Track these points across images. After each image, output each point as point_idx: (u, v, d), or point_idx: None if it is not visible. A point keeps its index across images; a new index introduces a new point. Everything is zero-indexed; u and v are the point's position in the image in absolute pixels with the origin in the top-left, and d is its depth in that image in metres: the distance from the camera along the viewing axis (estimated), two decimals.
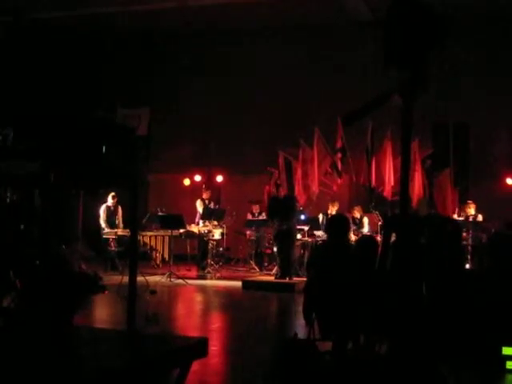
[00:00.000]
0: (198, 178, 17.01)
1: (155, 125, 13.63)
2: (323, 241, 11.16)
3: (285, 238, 11.76)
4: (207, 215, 13.50)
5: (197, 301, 10.85)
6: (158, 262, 13.42)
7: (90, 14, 15.45)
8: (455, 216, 12.58)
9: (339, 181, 12.63)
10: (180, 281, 11.91)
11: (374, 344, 5.32)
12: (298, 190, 12.66)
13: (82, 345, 4.01)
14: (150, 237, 13.13)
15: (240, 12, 15.25)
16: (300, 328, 6.77)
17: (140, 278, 8.61)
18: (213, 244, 13.51)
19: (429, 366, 4.46)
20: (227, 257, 15.29)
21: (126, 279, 6.33)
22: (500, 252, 5.14)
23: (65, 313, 4.57)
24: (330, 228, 6.14)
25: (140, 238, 12.44)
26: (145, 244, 13.05)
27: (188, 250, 14.30)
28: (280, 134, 14.65)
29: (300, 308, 6.08)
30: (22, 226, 4.98)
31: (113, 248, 13.19)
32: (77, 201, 9.18)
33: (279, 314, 10.01)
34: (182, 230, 13.05)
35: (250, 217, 14.47)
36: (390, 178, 12.21)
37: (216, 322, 8.65)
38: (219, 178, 17.01)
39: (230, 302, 10.43)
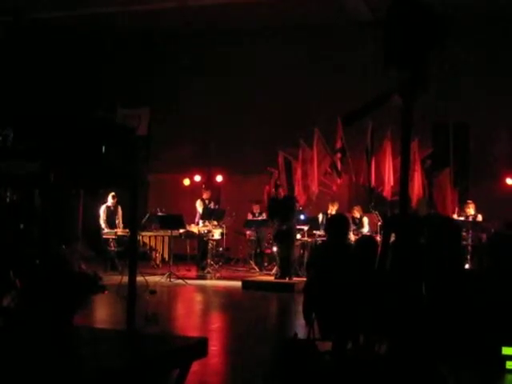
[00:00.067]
0: (197, 178, 17.02)
1: (155, 125, 13.63)
2: (323, 241, 11.16)
3: (284, 238, 11.76)
4: (207, 215, 13.50)
5: (196, 301, 10.85)
6: (157, 262, 13.42)
7: (90, 14, 15.46)
8: (455, 216, 12.58)
9: (339, 181, 12.63)
10: (180, 281, 11.91)
11: (374, 344, 5.32)
12: (298, 190, 12.67)
13: (81, 345, 4.01)
14: (150, 237, 13.14)
15: (240, 12, 15.26)
16: (300, 328, 6.77)
17: (140, 278, 8.61)
18: (212, 244, 13.51)
19: (429, 365, 4.46)
20: (227, 257, 15.29)
21: (125, 279, 6.33)
22: (500, 252, 5.14)
23: (65, 313, 4.57)
24: (329, 228, 6.14)
25: (140, 238, 12.45)
26: (144, 244, 13.06)
27: (188, 250, 14.31)
28: (280, 133, 14.66)
29: (300, 308, 6.09)
30: (21, 226, 4.98)
31: (112, 248, 13.19)
32: (77, 201, 9.17)
33: (279, 313, 10.01)
34: (181, 230, 13.05)
35: (250, 217, 14.46)
36: (389, 178, 12.21)
37: (216, 322, 8.65)
38: (219, 178, 17.01)
39: (229, 302, 10.43)
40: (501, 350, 4.83)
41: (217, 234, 13.57)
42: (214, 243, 13.65)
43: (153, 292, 10.12)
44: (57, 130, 4.82)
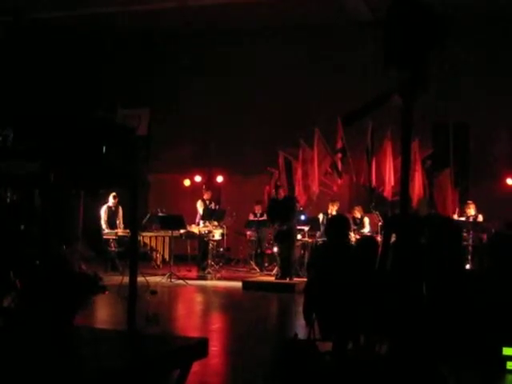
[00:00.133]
0: (198, 178, 17.00)
1: (155, 125, 13.57)
2: (323, 241, 11.16)
3: (285, 238, 11.76)
4: (207, 216, 13.50)
5: (197, 301, 10.84)
6: (158, 263, 13.42)
7: (90, 14, 15.45)
8: (455, 216, 12.57)
9: (339, 181, 12.62)
10: (180, 281, 11.90)
11: (375, 344, 5.32)
12: (298, 190, 12.66)
13: (82, 345, 4.01)
14: (151, 237, 13.13)
15: (240, 12, 15.25)
16: (300, 328, 6.77)
17: (140, 279, 8.61)
18: (213, 244, 13.50)
19: (429, 366, 4.46)
20: (227, 257, 15.28)
21: (126, 280, 6.34)
22: (500, 252, 5.14)
23: (65, 313, 4.57)
24: (330, 228, 6.13)
25: (140, 238, 12.45)
26: (145, 244, 13.06)
27: (188, 251, 14.29)
28: (280, 134, 14.65)
29: (300, 308, 6.08)
30: (22, 227, 4.97)
31: (113, 248, 13.18)
32: (77, 201, 9.17)
33: (279, 314, 10.01)
34: (182, 231, 13.05)
35: (252, 217, 14.45)
36: (390, 178, 12.21)
37: (216, 323, 8.65)
38: (219, 179, 17.00)
39: (230, 302, 10.42)
40: (501, 351, 4.83)
41: (217, 234, 13.56)
42: (215, 244, 13.64)
43: (153, 292, 10.11)
44: (57, 130, 4.82)
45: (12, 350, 3.63)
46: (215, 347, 6.51)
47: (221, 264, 13.93)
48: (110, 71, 16.97)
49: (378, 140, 12.47)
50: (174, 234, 12.85)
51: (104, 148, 4.79)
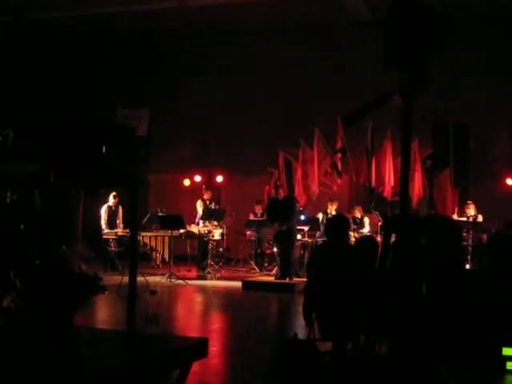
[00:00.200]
0: (198, 178, 17.00)
1: (155, 125, 13.63)
2: (323, 241, 11.16)
3: (285, 238, 11.76)
4: (207, 215, 13.50)
5: (197, 301, 10.85)
6: (158, 263, 13.42)
7: (90, 14, 15.44)
8: (455, 216, 12.58)
9: (339, 181, 12.63)
10: (180, 281, 11.91)
11: (374, 344, 5.32)
12: (298, 190, 12.67)
13: (82, 345, 4.01)
14: (150, 237, 13.14)
15: (240, 12, 15.25)
16: (300, 328, 6.77)
17: (140, 279, 8.62)
18: (213, 244, 13.50)
19: (429, 366, 4.46)
20: (227, 257, 15.28)
21: (125, 279, 6.33)
22: (500, 252, 5.14)
23: (65, 313, 4.57)
24: (329, 228, 6.13)
25: (140, 238, 12.44)
26: (145, 244, 13.06)
27: (188, 251, 14.29)
28: (280, 134, 14.65)
29: (300, 308, 6.08)
30: (22, 227, 4.97)
31: (113, 248, 13.18)
32: (77, 201, 9.17)
33: (279, 314, 10.01)
34: (182, 231, 13.05)
35: (252, 217, 14.45)
36: (389, 178, 12.21)
37: (216, 323, 8.65)
38: (219, 179, 17.00)
39: (230, 302, 10.42)
40: (501, 351, 4.83)
41: (217, 234, 13.56)
42: (215, 243, 13.64)
43: (153, 292, 10.12)
44: (57, 130, 4.82)
45: (12, 350, 3.63)
46: (215, 347, 6.51)
47: (220, 264, 13.93)
48: (110, 71, 16.97)
49: (378, 140, 12.47)
50: (174, 234, 12.85)
51: (104, 148, 4.79)
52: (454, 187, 13.39)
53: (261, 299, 10.62)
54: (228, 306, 10.08)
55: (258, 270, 13.94)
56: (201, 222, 13.56)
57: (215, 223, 13.49)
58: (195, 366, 4.11)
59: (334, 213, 12.94)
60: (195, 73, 16.69)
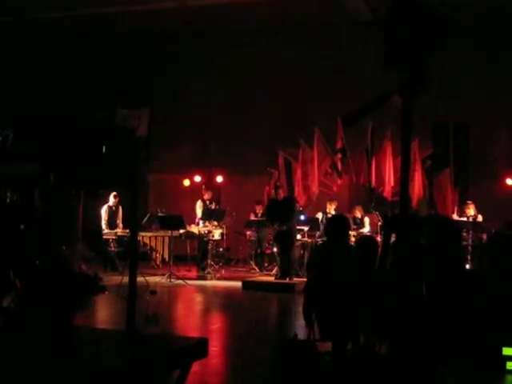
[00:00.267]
0: (197, 178, 16.99)
1: (155, 125, 13.59)
2: (323, 241, 11.16)
3: (284, 238, 11.76)
4: (207, 216, 13.49)
5: (197, 301, 10.85)
6: (157, 263, 13.42)
7: (90, 15, 15.45)
8: (455, 216, 12.58)
9: (339, 181, 12.63)
10: (180, 281, 11.91)
11: (374, 344, 5.32)
12: (298, 190, 12.66)
13: (82, 345, 4.00)
14: (150, 237, 13.14)
15: (240, 12, 15.25)
16: (300, 328, 6.77)
17: (140, 279, 8.61)
18: (213, 244, 13.50)
19: (429, 366, 4.45)
20: (227, 257, 15.27)
21: (125, 280, 6.33)
22: (500, 252, 5.13)
23: (65, 313, 4.57)
24: (329, 228, 6.13)
25: (140, 238, 12.44)
26: (145, 244, 13.06)
27: (188, 251, 14.29)
28: (280, 134, 14.65)
29: (300, 308, 6.08)
30: (22, 227, 4.97)
31: (113, 248, 13.18)
32: (77, 201, 9.17)
33: (279, 314, 10.01)
34: (181, 231, 13.05)
35: (252, 217, 14.44)
36: (389, 179, 12.21)
37: (216, 323, 8.65)
38: (219, 179, 16.99)
39: (229, 302, 10.43)
40: (501, 351, 4.82)
41: (217, 234, 13.56)
42: (214, 243, 13.64)
43: (153, 292, 10.12)
44: (57, 130, 4.82)
45: (12, 350, 3.62)
46: (215, 347, 6.51)
47: (220, 264, 13.92)
48: (110, 71, 16.97)
49: (378, 140, 12.47)
50: (174, 234, 12.85)
51: (104, 148, 4.79)
52: (453, 187, 13.39)
53: (261, 299, 10.62)
54: (228, 306, 10.08)
55: (257, 270, 13.94)
56: (201, 222, 13.56)
57: (215, 223, 13.49)
58: (195, 366, 4.11)
59: (333, 212, 12.96)
60: (195, 73, 16.70)
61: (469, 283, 4.90)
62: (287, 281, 11.52)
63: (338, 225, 5.96)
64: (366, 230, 13.14)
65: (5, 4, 14.47)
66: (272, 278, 12.14)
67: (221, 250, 14.39)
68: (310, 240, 12.98)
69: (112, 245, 13.18)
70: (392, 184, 12.11)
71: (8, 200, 5.01)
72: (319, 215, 13.13)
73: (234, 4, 14.86)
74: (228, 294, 11.23)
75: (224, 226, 13.76)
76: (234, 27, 16.07)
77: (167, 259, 12.91)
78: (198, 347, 3.98)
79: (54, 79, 15.94)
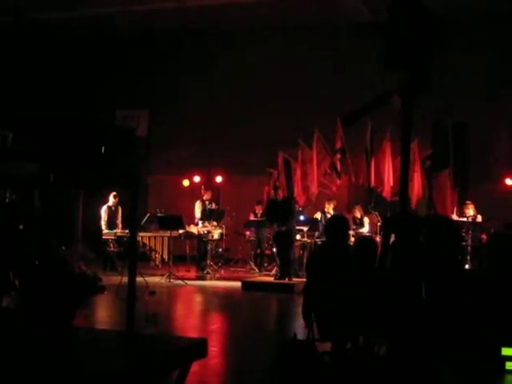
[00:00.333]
0: (197, 178, 16.97)
1: (155, 125, 13.66)
2: (322, 241, 11.16)
3: (284, 238, 11.76)
4: (207, 216, 13.49)
5: (196, 301, 10.84)
6: (157, 263, 13.41)
7: (90, 15, 15.45)
8: (454, 216, 12.58)
9: (338, 181, 12.62)
10: (179, 281, 11.90)
11: (374, 344, 5.32)
12: (298, 190, 12.65)
13: (81, 346, 4.00)
14: (150, 237, 13.14)
15: (240, 12, 15.25)
16: (299, 329, 6.76)
17: (139, 279, 8.59)
18: (212, 245, 13.50)
19: (428, 366, 4.46)
20: (226, 257, 15.26)
21: (125, 280, 6.33)
22: (499, 252, 5.14)
23: (65, 313, 4.57)
24: (329, 228, 6.12)
25: (139, 238, 12.44)
26: (144, 245, 13.05)
27: (187, 251, 14.28)
28: (280, 134, 14.64)
29: (299, 309, 6.08)
30: (21, 227, 4.98)
31: (112, 249, 13.18)
32: (77, 201, 9.17)
33: (279, 314, 10.01)
34: (181, 231, 13.05)
35: (252, 217, 14.44)
36: (389, 179, 12.20)
37: (215, 323, 8.65)
38: (219, 179, 16.98)
39: (229, 302, 10.42)
40: (500, 351, 4.83)
41: (216, 234, 13.56)
42: (214, 244, 13.63)
43: (152, 293, 10.10)
44: (57, 130, 4.82)
45: (12, 350, 3.62)
46: (214, 347, 6.51)
47: (220, 264, 13.92)
48: (110, 71, 16.96)
49: (378, 140, 12.46)
50: (173, 235, 12.85)
51: (103, 148, 4.79)
52: (453, 187, 13.38)
53: (260, 299, 10.62)
54: (227, 307, 10.08)
55: (257, 271, 13.94)
56: (200, 222, 13.56)
57: (214, 224, 13.49)
58: (195, 366, 4.11)
59: (331, 212, 12.97)
60: (195, 73, 16.69)
61: (468, 283, 4.90)
62: (286, 281, 11.52)
63: (338, 225, 5.96)
64: (366, 230, 13.14)
65: (5, 4, 14.47)
66: (271, 279, 12.13)
67: (220, 250, 14.38)
68: (309, 240, 12.98)
69: (111, 245, 13.18)
70: (391, 184, 12.10)
71: (7, 200, 5.01)
72: (318, 215, 13.13)
73: (234, 4, 14.86)
74: (227, 294, 11.23)
75: (223, 226, 13.76)
76: (233, 27, 16.07)
77: (166, 259, 12.90)
78: (198, 347, 3.98)
79: (53, 79, 15.95)
